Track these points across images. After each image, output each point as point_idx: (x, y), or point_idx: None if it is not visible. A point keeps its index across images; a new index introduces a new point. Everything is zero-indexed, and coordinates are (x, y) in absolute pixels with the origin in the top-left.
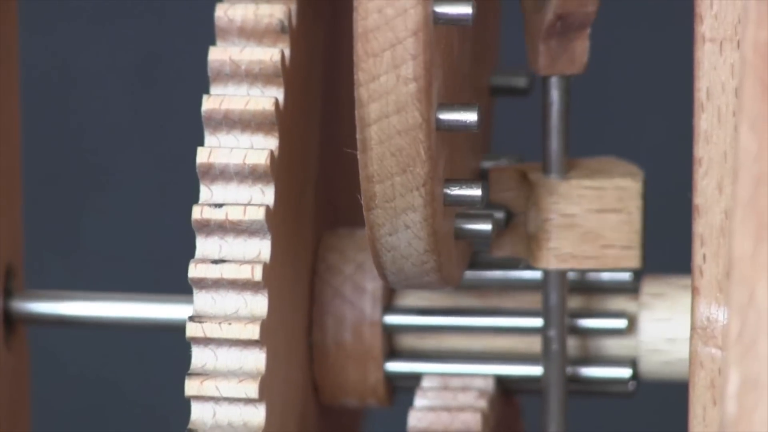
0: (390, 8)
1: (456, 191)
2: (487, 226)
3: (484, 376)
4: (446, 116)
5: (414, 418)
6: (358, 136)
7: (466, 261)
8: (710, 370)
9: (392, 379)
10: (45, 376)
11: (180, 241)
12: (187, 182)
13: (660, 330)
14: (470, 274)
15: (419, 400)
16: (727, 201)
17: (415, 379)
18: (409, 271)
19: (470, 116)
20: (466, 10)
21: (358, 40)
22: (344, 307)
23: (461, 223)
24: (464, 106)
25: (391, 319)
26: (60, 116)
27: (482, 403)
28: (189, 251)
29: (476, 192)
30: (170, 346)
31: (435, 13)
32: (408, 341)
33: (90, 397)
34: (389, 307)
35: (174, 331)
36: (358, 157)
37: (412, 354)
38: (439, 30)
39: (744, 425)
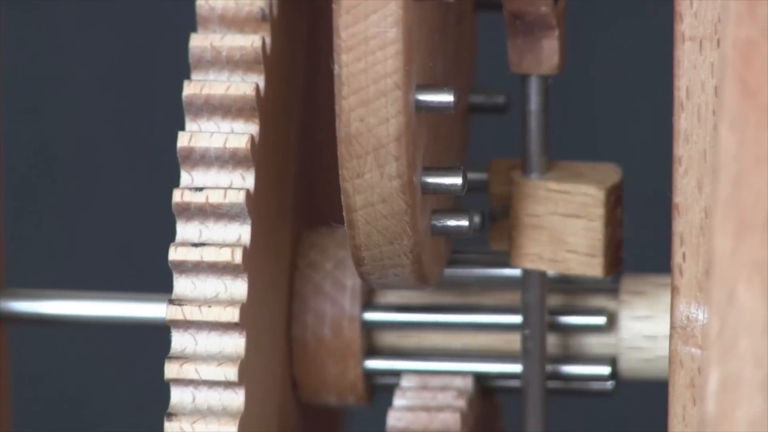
0: (372, 117)
1: (444, 222)
2: (464, 222)
3: (463, 376)
4: (432, 180)
5: (393, 418)
6: (345, 216)
7: (446, 259)
8: (690, 369)
9: (371, 376)
10: (26, 375)
11: (162, 241)
12: (170, 181)
13: (640, 327)
14: (451, 272)
15: (398, 400)
16: (707, 200)
17: (395, 376)
18: (397, 288)
19: (455, 180)
20: (448, 98)
21: (342, 143)
22: (324, 302)
23: (440, 219)
24: (449, 170)
25: (371, 316)
26: (40, 113)
27: (461, 403)
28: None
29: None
30: (153, 345)
31: (417, 101)
32: (387, 339)
33: (71, 396)
34: (369, 304)
35: (156, 330)
36: (346, 230)
37: (392, 351)
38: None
39: (724, 424)
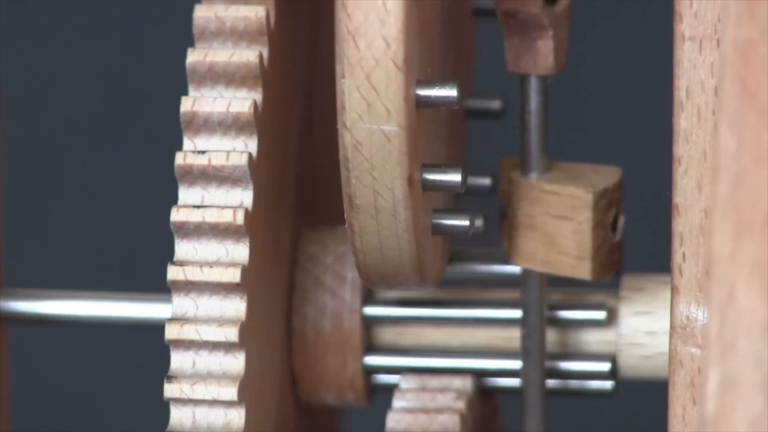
0: (389, 268)
1: (447, 221)
2: (464, 222)
3: (463, 377)
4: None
5: (392, 420)
6: (356, 262)
7: (447, 257)
8: (690, 369)
9: (370, 373)
10: (26, 375)
11: (163, 241)
12: (171, 182)
13: (640, 323)
14: (452, 269)
15: (397, 402)
16: (707, 200)
17: (394, 373)
18: (397, 288)
19: (463, 222)
20: (464, 222)
21: (361, 275)
22: (324, 295)
23: (440, 218)
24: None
25: (371, 310)
26: (40, 113)
27: (460, 405)
28: (169, 251)
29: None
30: (153, 345)
31: (424, 180)
32: (387, 335)
33: (71, 396)
34: (369, 297)
35: (156, 330)
36: (356, 264)
37: (391, 348)
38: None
39: (723, 424)
